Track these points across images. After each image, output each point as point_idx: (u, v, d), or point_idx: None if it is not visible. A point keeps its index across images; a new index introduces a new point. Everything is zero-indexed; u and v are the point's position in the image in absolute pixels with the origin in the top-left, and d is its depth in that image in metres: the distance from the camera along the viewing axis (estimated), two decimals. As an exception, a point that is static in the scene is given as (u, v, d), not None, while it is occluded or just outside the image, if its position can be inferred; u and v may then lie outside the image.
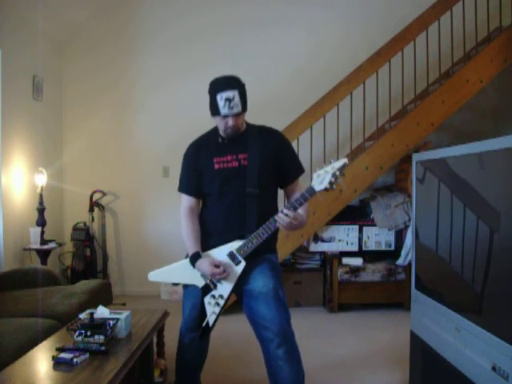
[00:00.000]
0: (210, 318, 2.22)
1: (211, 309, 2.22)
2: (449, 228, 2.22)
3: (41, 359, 2.01)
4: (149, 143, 5.22)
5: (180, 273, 2.32)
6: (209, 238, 2.30)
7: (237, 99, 2.13)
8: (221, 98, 2.13)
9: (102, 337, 2.07)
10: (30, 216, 4.41)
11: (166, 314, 2.77)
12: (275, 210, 2.25)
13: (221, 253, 2.23)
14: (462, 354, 2.01)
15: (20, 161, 4.38)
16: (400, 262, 4.38)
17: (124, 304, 4.49)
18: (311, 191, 2.07)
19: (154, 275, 2.37)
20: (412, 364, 2.62)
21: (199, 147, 2.35)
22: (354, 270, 4.44)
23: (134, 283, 5.08)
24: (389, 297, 4.48)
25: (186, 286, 2.35)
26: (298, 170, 2.37)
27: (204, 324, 2.23)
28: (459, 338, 2.04)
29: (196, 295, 2.26)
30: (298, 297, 4.63)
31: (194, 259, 2.24)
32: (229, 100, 2.12)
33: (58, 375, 1.82)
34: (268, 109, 4.98)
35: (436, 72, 4.63)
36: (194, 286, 2.27)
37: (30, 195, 4.48)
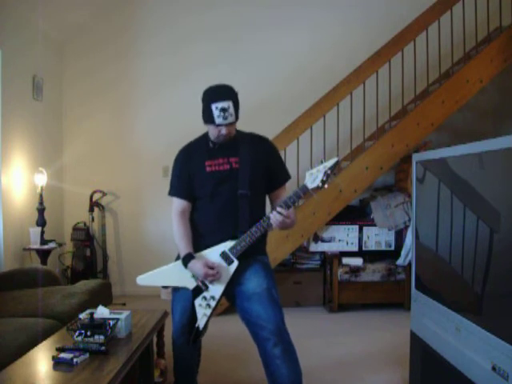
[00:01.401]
0: (201, 321, 2.21)
1: (202, 311, 2.22)
2: (449, 228, 2.22)
3: (41, 359, 2.01)
4: (149, 143, 5.22)
5: (170, 275, 2.32)
6: (201, 239, 2.31)
7: (231, 109, 2.17)
8: (216, 107, 2.16)
9: (101, 337, 2.07)
10: (30, 216, 4.41)
11: (165, 314, 2.77)
12: (264, 212, 2.30)
13: (213, 253, 2.24)
14: (462, 354, 2.01)
15: (20, 161, 4.38)
16: (400, 261, 4.38)
17: (124, 304, 4.49)
18: (304, 189, 2.15)
19: (143, 279, 2.37)
20: (412, 364, 2.62)
21: (190, 152, 2.39)
22: (354, 270, 4.44)
23: (133, 283, 4.98)
24: (389, 297, 4.47)
25: (175, 289, 2.34)
26: (286, 176, 2.43)
27: (195, 327, 2.21)
28: (459, 338, 2.04)
29: (186, 298, 2.25)
30: (298, 297, 4.63)
31: (187, 260, 2.24)
32: (224, 110, 2.16)
33: (58, 375, 1.82)
34: (268, 109, 4.99)
35: (436, 72, 4.63)
36: (185, 289, 2.27)
37: (30, 195, 4.48)
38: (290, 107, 4.78)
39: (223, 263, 2.21)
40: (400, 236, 4.49)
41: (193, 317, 2.23)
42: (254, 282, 2.21)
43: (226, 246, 2.22)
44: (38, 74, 4.68)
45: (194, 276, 2.24)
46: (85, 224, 5.07)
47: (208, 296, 2.22)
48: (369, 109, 4.68)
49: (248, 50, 5.19)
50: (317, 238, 4.50)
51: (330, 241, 4.50)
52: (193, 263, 2.22)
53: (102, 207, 5.16)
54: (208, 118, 2.21)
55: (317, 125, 4.49)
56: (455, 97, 4.44)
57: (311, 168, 2.17)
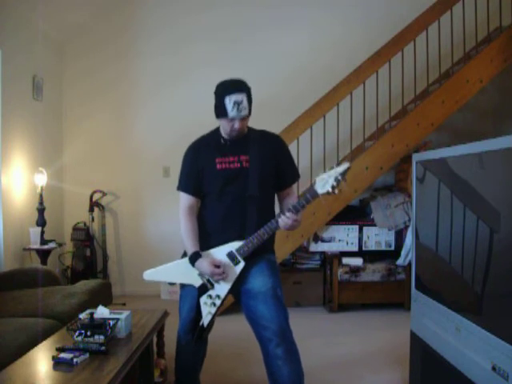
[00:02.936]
0: (206, 319, 2.21)
1: (207, 309, 2.22)
2: (449, 228, 2.22)
3: (41, 359, 2.01)
4: (149, 143, 5.22)
5: (176, 272, 2.32)
6: (208, 237, 2.31)
7: (245, 103, 2.17)
8: (229, 100, 2.15)
9: (101, 337, 2.07)
10: (30, 216, 4.41)
11: (165, 314, 2.77)
12: (273, 212, 2.31)
13: (220, 253, 2.23)
14: (462, 354, 2.00)
15: (20, 161, 4.38)
16: (400, 261, 4.38)
17: (124, 304, 4.49)
18: (314, 194, 2.10)
19: (150, 274, 2.36)
20: (412, 364, 2.62)
21: (199, 147, 2.37)
22: (354, 270, 4.44)
23: (133, 283, 5.07)
24: (389, 297, 4.47)
25: (183, 287, 2.35)
26: (295, 176, 2.41)
27: (200, 324, 2.22)
28: (459, 338, 2.04)
29: (193, 296, 2.26)
30: (298, 297, 4.63)
31: (194, 258, 2.24)
32: (237, 103, 2.15)
33: (58, 375, 1.82)
34: (268, 109, 4.98)
35: (436, 72, 4.63)
36: (192, 286, 2.27)
37: (30, 195, 4.48)
38: (290, 107, 4.77)
39: (230, 263, 2.21)
40: (400, 236, 4.49)
41: (199, 315, 2.23)
42: (259, 281, 2.21)
43: (233, 246, 2.21)
44: (38, 74, 4.68)
45: (200, 274, 2.24)
46: (85, 224, 5.07)
47: (213, 295, 2.22)
48: (369, 109, 4.68)
49: (248, 50, 5.19)
50: (317, 238, 4.50)
51: (330, 241, 4.50)
52: (200, 262, 2.22)
53: (102, 207, 5.16)
54: (221, 111, 2.19)
55: (317, 125, 4.49)
56: (455, 97, 4.44)
57: (321, 173, 2.11)
